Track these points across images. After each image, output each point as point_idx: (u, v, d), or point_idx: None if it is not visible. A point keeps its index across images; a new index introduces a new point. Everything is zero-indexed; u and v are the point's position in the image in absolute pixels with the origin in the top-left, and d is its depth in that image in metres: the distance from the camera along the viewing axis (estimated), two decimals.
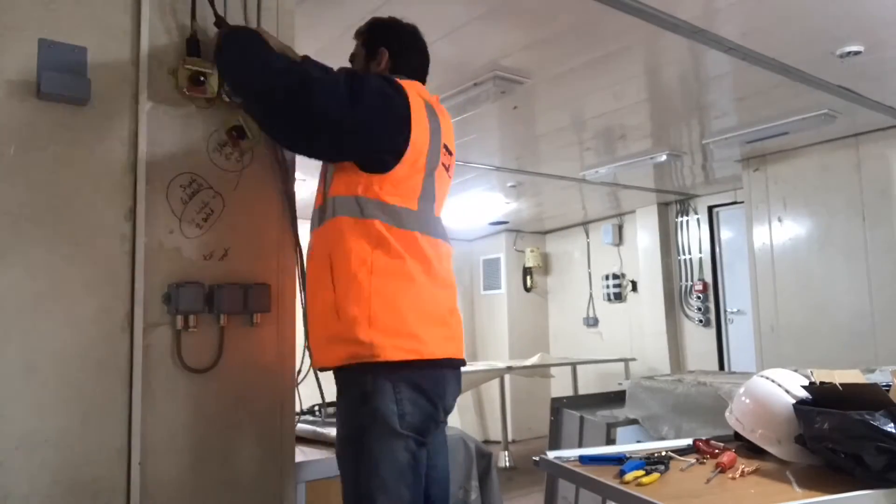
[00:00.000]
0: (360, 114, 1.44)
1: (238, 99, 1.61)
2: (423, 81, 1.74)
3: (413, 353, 1.43)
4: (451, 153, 1.69)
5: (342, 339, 1.43)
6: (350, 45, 1.78)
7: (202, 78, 1.59)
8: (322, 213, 1.54)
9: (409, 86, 1.58)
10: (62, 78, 1.43)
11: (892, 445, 1.27)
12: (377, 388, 1.41)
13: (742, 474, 1.42)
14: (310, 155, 1.53)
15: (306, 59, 1.50)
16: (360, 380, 1.43)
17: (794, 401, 1.54)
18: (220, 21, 1.62)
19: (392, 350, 1.41)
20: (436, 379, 1.50)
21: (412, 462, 1.42)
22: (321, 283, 1.49)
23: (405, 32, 1.74)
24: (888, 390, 1.43)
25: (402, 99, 1.50)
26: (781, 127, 3.98)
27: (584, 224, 7.42)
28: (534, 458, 1.63)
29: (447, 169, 1.66)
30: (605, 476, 1.42)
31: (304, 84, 1.40)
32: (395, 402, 1.41)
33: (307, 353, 1.63)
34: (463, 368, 1.63)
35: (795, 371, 1.69)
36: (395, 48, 1.69)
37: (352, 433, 1.45)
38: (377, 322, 1.41)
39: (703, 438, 1.66)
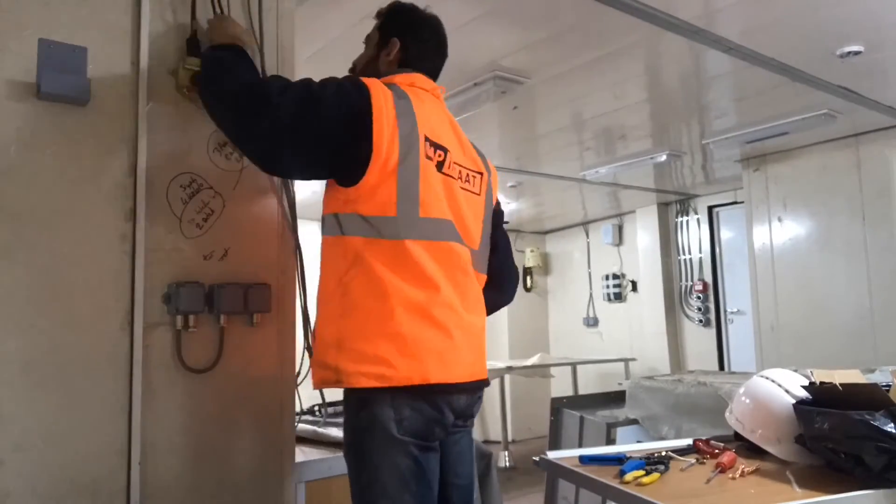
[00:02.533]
0: (314, 121, 1.36)
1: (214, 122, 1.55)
2: (435, 76, 1.64)
3: (381, 380, 1.33)
4: (444, 148, 1.50)
5: (317, 362, 1.41)
6: (351, 43, 1.78)
7: None
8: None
9: (403, 80, 1.51)
10: (62, 78, 1.43)
11: (892, 445, 1.27)
12: (374, 394, 1.36)
13: (742, 474, 1.42)
14: (282, 173, 1.52)
15: (268, 76, 1.49)
16: None
17: (794, 401, 1.54)
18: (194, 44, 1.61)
19: (357, 377, 1.34)
20: (429, 400, 1.38)
21: (415, 468, 1.35)
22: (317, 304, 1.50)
23: (425, 25, 1.64)
24: (888, 390, 1.43)
25: (362, 100, 1.38)
26: (781, 127, 3.99)
27: (584, 224, 7.42)
28: (534, 458, 1.63)
29: (443, 165, 1.49)
30: (605, 476, 1.42)
31: (257, 98, 1.36)
32: (391, 406, 1.35)
33: (307, 353, 1.63)
34: None
35: (795, 371, 1.69)
36: (409, 41, 1.61)
37: (353, 439, 1.41)
38: (345, 346, 1.36)
39: (703, 438, 1.66)
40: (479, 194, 1.59)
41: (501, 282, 1.72)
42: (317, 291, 1.49)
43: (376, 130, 1.35)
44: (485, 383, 1.52)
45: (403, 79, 1.53)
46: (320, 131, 1.37)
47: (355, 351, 1.35)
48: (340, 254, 1.41)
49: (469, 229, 1.53)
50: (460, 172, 1.54)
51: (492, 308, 1.66)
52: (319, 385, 1.43)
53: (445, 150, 1.50)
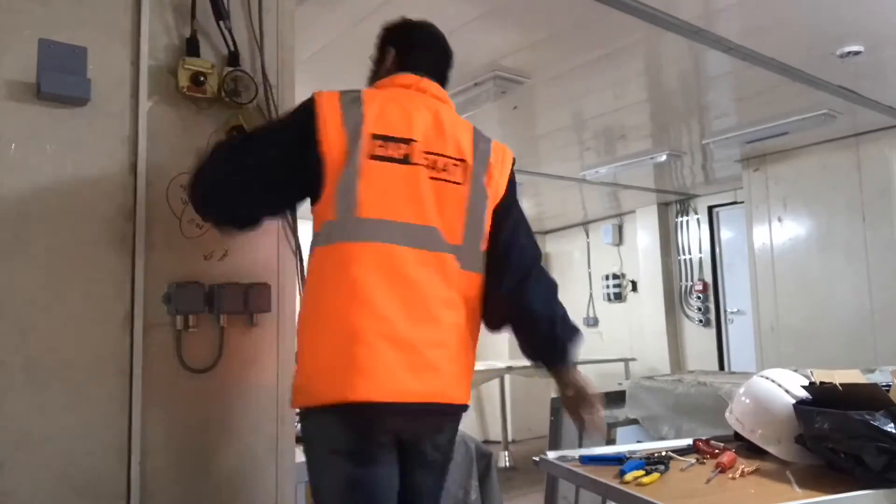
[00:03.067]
0: (257, 163, 1.40)
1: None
2: (441, 78, 1.62)
3: (306, 398, 1.35)
4: (406, 140, 1.41)
5: None
6: (351, 43, 1.79)
7: (202, 78, 1.59)
8: None
9: (385, 82, 1.54)
10: (62, 78, 1.43)
11: (892, 445, 1.27)
12: (307, 409, 1.40)
13: (742, 474, 1.42)
14: (273, 215, 1.54)
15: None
16: None
17: (794, 401, 1.54)
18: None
19: (295, 397, 1.39)
20: (355, 419, 1.31)
21: (351, 482, 1.32)
22: None
23: (415, 31, 1.66)
24: (888, 390, 1.43)
25: (305, 114, 1.39)
26: (781, 127, 3.99)
27: (584, 224, 7.42)
28: (534, 458, 1.63)
29: (410, 157, 1.40)
30: (605, 476, 1.42)
31: (203, 170, 1.43)
32: (320, 423, 1.35)
33: None
34: None
35: (795, 371, 1.69)
36: (401, 46, 1.63)
37: (303, 447, 1.46)
38: (299, 361, 1.41)
39: (703, 438, 1.66)
40: (460, 183, 1.45)
41: (498, 270, 1.49)
42: None
43: (322, 136, 1.36)
44: (441, 408, 1.38)
45: (387, 81, 1.55)
46: (267, 172, 1.40)
47: (298, 369, 1.40)
48: (310, 267, 1.43)
49: (449, 222, 1.42)
50: (436, 161, 1.43)
51: (509, 309, 1.52)
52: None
53: (408, 141, 1.40)
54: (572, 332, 1.55)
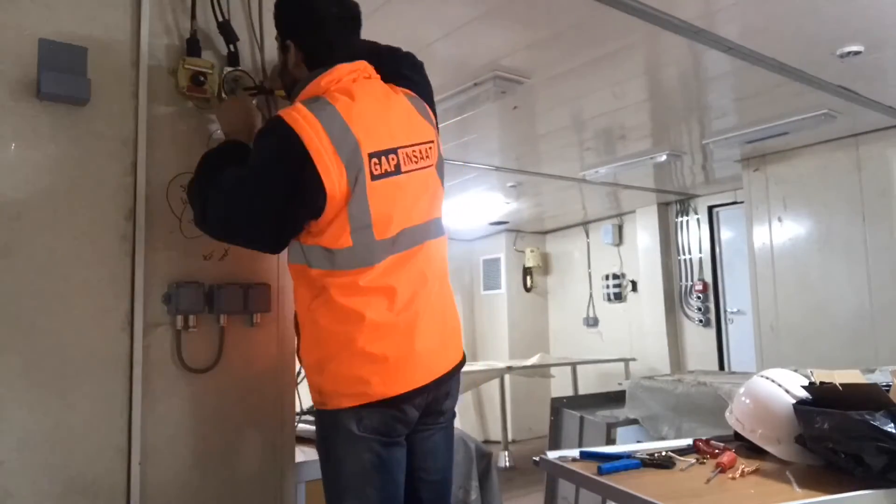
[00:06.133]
0: (261, 201, 1.39)
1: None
2: (359, 54, 1.51)
3: (358, 398, 1.39)
4: (394, 149, 1.44)
5: (309, 382, 1.49)
6: None
7: (202, 78, 1.59)
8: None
9: (329, 83, 1.43)
10: (62, 78, 1.43)
11: (892, 445, 1.27)
12: None
13: (742, 474, 1.42)
14: (280, 246, 1.49)
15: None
16: None
17: (794, 401, 1.54)
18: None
19: (337, 398, 1.40)
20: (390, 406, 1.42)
21: (377, 462, 1.40)
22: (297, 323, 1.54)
23: (312, 11, 1.48)
24: (888, 390, 1.43)
25: (294, 148, 1.33)
26: (781, 127, 3.98)
27: (584, 224, 7.41)
28: (534, 458, 1.63)
29: (400, 166, 1.44)
30: (606, 476, 1.42)
31: (208, 205, 1.43)
32: (352, 410, 1.40)
33: None
34: (463, 369, 1.58)
35: (795, 371, 1.69)
36: (303, 37, 1.48)
37: (320, 437, 1.48)
38: (325, 369, 1.42)
39: (703, 438, 1.66)
40: (432, 162, 1.54)
41: None
42: (295, 310, 1.54)
43: (322, 172, 1.34)
44: (450, 373, 1.51)
45: (328, 82, 1.44)
46: (270, 202, 1.38)
47: (332, 373, 1.41)
48: (306, 283, 1.44)
49: (429, 205, 1.52)
50: (417, 154, 1.48)
51: None
52: (315, 405, 1.48)
53: (396, 150, 1.44)
54: None
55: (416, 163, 1.49)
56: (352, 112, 1.40)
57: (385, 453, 1.41)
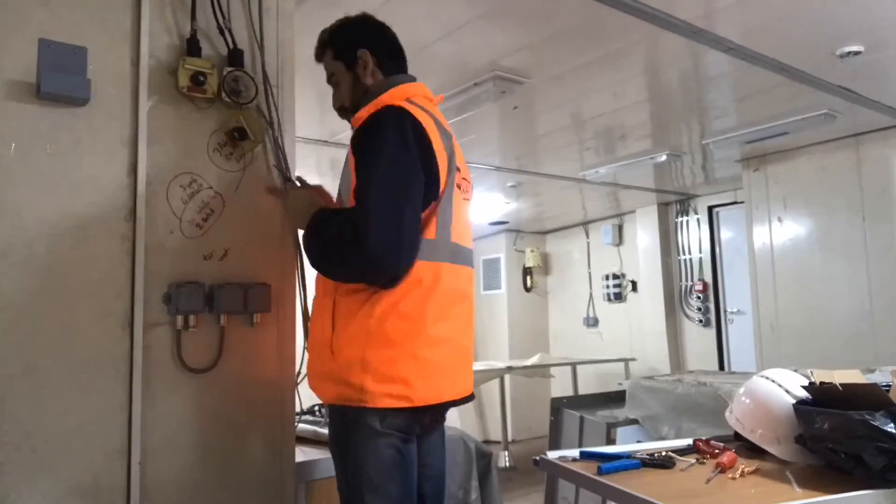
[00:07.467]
0: (418, 200, 1.39)
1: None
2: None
3: (403, 400, 1.37)
4: (459, 169, 1.54)
5: (334, 378, 1.41)
6: None
7: (202, 78, 1.59)
8: None
9: (421, 106, 1.46)
10: (62, 78, 1.43)
11: (892, 445, 1.27)
12: None
13: (742, 474, 1.42)
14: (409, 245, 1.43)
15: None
16: None
17: (794, 401, 1.54)
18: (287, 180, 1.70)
19: (381, 398, 1.36)
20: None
21: (398, 458, 1.41)
22: (322, 316, 1.46)
23: (379, 27, 1.58)
24: (888, 390, 1.43)
25: (417, 132, 1.38)
26: (781, 127, 3.98)
27: (584, 224, 7.42)
28: (534, 458, 1.63)
29: (459, 187, 1.53)
30: (606, 476, 1.42)
31: (359, 241, 1.33)
32: (386, 414, 1.40)
33: (307, 353, 1.63)
34: None
35: (795, 371, 1.69)
36: (376, 46, 1.54)
37: (338, 434, 1.46)
38: (370, 367, 1.37)
39: (703, 438, 1.66)
40: (470, 198, 1.63)
41: None
42: (322, 300, 1.48)
43: (439, 168, 1.41)
44: (470, 398, 1.59)
45: (416, 89, 1.52)
46: (417, 184, 1.38)
47: (380, 373, 1.37)
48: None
49: (471, 235, 1.60)
50: (468, 185, 1.60)
51: None
52: (336, 400, 1.43)
53: (458, 169, 1.53)
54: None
55: (466, 192, 1.58)
56: (426, 117, 1.46)
57: (405, 450, 1.43)
